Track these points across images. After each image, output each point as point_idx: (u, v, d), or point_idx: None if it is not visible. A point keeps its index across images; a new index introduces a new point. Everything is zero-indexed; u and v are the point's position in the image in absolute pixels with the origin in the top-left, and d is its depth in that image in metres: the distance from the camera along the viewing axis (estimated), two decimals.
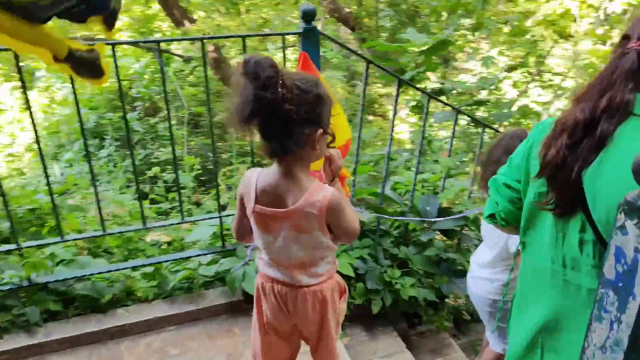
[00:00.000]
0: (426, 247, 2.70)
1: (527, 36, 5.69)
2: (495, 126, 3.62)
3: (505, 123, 5.00)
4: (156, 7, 7.97)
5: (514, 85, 7.39)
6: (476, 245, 2.84)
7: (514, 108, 5.85)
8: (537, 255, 1.25)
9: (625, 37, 1.07)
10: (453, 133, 2.91)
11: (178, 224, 2.59)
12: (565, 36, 5.27)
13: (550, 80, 7.75)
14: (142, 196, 2.67)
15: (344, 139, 2.09)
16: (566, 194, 1.10)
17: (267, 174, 1.37)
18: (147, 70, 7.09)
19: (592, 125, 1.04)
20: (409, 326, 2.79)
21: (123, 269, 2.44)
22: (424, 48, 3.91)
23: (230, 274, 2.37)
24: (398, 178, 3.03)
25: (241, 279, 2.35)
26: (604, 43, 5.16)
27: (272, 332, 1.58)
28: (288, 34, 2.80)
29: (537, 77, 7.34)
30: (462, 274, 2.76)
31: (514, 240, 1.83)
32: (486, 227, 2.05)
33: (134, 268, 2.48)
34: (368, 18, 8.14)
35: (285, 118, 1.20)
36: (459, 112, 2.95)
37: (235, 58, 8.99)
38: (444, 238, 2.90)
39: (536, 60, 6.76)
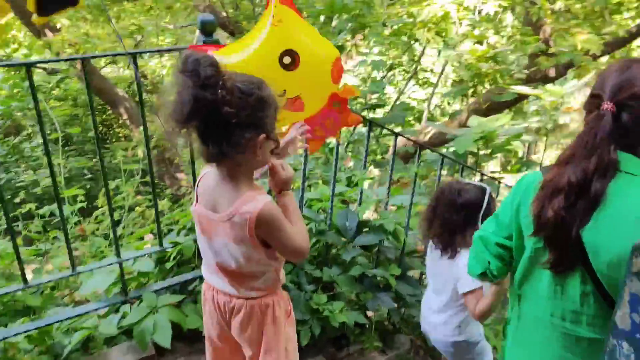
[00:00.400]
0: (349, 266, 2.59)
1: (406, 38, 5.92)
2: (397, 129, 3.69)
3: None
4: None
5: (394, 84, 7.71)
6: (396, 257, 2.82)
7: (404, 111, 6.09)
8: (536, 307, 1.27)
9: (595, 96, 1.15)
10: (367, 146, 2.82)
11: (69, 276, 2.16)
12: (444, 38, 5.56)
13: (427, 78, 8.39)
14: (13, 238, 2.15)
15: (331, 58, 1.81)
16: (566, 252, 1.15)
17: (210, 174, 1.31)
18: (5, 84, 6.19)
19: (585, 186, 1.11)
20: (336, 349, 2.67)
21: None
22: None
23: (139, 326, 2.04)
24: (312, 194, 2.87)
25: (152, 331, 2.04)
26: (480, 43, 5.55)
27: (218, 342, 1.51)
28: (181, 49, 2.45)
29: (414, 76, 7.84)
30: (386, 287, 2.72)
31: (462, 283, 1.85)
32: (433, 270, 2.07)
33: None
34: (247, 22, 7.84)
35: (225, 121, 1.12)
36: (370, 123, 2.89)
37: (105, 67, 8.22)
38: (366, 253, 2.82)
39: (412, 59, 7.14)
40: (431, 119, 7.83)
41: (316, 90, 1.85)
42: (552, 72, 5.83)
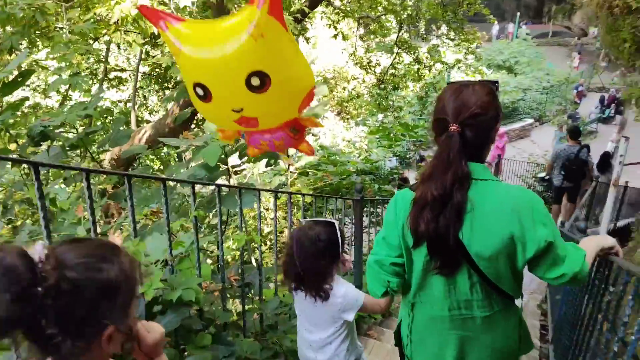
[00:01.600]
0: None
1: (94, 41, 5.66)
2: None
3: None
4: None
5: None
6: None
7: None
8: (431, 308, 1.51)
9: (441, 120, 1.38)
10: (91, 199, 1.83)
11: None
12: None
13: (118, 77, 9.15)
14: None
15: (306, 88, 1.69)
16: (449, 256, 1.38)
17: None
18: None
19: (446, 197, 1.33)
20: None
21: None
22: None
23: None
24: None
25: None
26: None
27: None
28: None
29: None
30: None
31: (347, 313, 1.93)
32: (307, 313, 2.03)
33: None
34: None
35: (56, 321, 0.85)
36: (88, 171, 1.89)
37: None
38: None
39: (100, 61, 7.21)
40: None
41: (278, 114, 1.74)
42: None
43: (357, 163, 7.85)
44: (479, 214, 1.35)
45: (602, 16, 5.43)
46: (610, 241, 1.60)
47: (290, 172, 5.80)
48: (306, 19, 10.11)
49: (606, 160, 8.66)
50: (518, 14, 35.35)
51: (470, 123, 1.36)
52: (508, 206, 1.34)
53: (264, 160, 3.51)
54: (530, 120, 19.51)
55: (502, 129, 13.89)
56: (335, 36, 9.67)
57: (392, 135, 7.15)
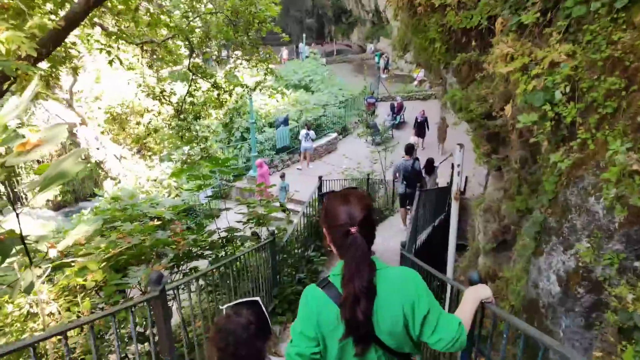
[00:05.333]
0: None
1: None
2: None
3: None
4: None
5: None
6: None
7: None
8: None
9: (341, 225, 1.69)
10: None
11: None
12: None
13: None
14: None
15: None
16: (366, 336, 1.68)
17: None
18: None
19: (370, 287, 1.66)
20: None
21: None
22: None
23: None
24: None
25: None
26: None
27: None
28: None
29: None
30: None
31: None
32: None
33: None
34: None
35: None
36: None
37: None
38: None
39: None
40: None
41: None
42: None
43: (162, 212, 6.38)
44: (380, 297, 1.67)
45: (404, 18, 5.00)
46: (488, 292, 1.94)
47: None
48: (71, 45, 8.20)
49: (431, 164, 10.79)
50: (304, 35, 37.42)
51: (363, 224, 1.69)
52: (399, 288, 1.69)
53: None
54: (334, 134, 20.16)
55: (259, 160, 13.90)
56: (110, 62, 8.01)
57: (200, 173, 5.88)
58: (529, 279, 3.20)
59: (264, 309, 1.98)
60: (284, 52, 32.80)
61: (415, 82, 27.91)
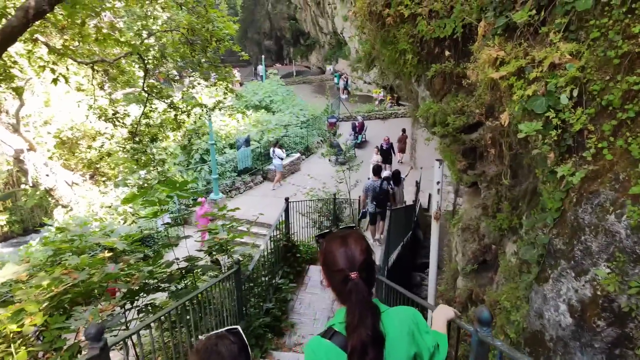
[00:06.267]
0: None
1: None
2: None
3: None
4: None
5: None
6: None
7: None
8: None
9: (339, 271, 1.65)
10: None
11: None
12: None
13: None
14: None
15: None
16: None
17: None
18: None
19: (376, 335, 1.59)
20: None
21: None
22: None
23: None
24: None
25: None
26: None
27: None
28: None
29: None
30: None
31: None
32: None
33: None
34: None
35: None
36: None
37: None
38: None
39: None
40: None
41: None
42: None
43: (114, 243, 5.82)
44: (388, 343, 1.62)
45: (372, 30, 4.76)
46: (452, 313, 2.06)
47: None
48: (11, 64, 7.58)
49: (397, 176, 11.34)
50: (263, 56, 37.29)
51: (363, 268, 1.64)
52: (405, 330, 1.68)
53: None
54: (297, 155, 19.87)
55: (203, 199, 13.47)
56: (55, 81, 7.40)
57: (156, 198, 5.38)
58: (531, 308, 2.85)
59: (244, 337, 1.88)
60: (237, 74, 32.53)
61: (376, 102, 28.15)
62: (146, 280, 5.38)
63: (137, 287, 5.21)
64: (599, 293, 2.42)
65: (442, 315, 2.03)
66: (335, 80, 33.64)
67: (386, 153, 17.35)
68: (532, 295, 2.86)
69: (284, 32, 43.83)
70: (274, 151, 17.38)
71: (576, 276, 2.55)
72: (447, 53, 3.94)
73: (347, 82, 32.45)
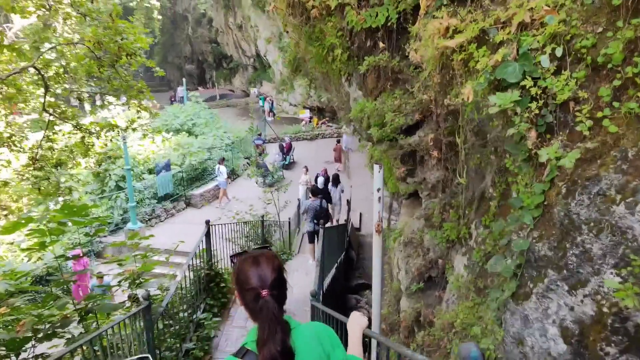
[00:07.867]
0: None
1: None
2: None
3: None
4: None
5: None
6: None
7: None
8: None
9: (252, 289, 1.67)
10: None
11: None
12: None
13: None
14: None
15: None
16: None
17: None
18: None
19: (286, 350, 1.63)
20: None
21: None
22: None
23: None
24: None
25: None
26: None
27: None
28: None
29: None
30: None
31: None
32: None
33: None
34: None
35: None
36: None
37: None
38: None
39: None
40: None
41: None
42: None
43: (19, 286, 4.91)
44: (298, 355, 1.65)
45: (296, 26, 4.27)
46: (365, 321, 2.11)
47: None
48: None
49: (336, 178, 12.55)
50: (184, 79, 36.13)
51: (274, 285, 1.68)
52: (315, 345, 1.72)
53: None
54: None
55: (77, 250, 11.50)
56: None
57: (45, 227, 4.48)
58: (507, 333, 2.26)
59: None
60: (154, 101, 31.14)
61: (303, 123, 28.02)
62: (37, 326, 4.45)
63: (23, 336, 4.29)
64: (605, 310, 1.86)
65: (356, 325, 2.09)
66: (261, 102, 33.20)
67: (324, 192, 12.83)
68: (506, 317, 2.30)
69: (205, 56, 42.87)
70: (218, 168, 17.21)
71: (570, 289, 2.00)
72: (381, 45, 3.53)
73: (272, 104, 32.11)
